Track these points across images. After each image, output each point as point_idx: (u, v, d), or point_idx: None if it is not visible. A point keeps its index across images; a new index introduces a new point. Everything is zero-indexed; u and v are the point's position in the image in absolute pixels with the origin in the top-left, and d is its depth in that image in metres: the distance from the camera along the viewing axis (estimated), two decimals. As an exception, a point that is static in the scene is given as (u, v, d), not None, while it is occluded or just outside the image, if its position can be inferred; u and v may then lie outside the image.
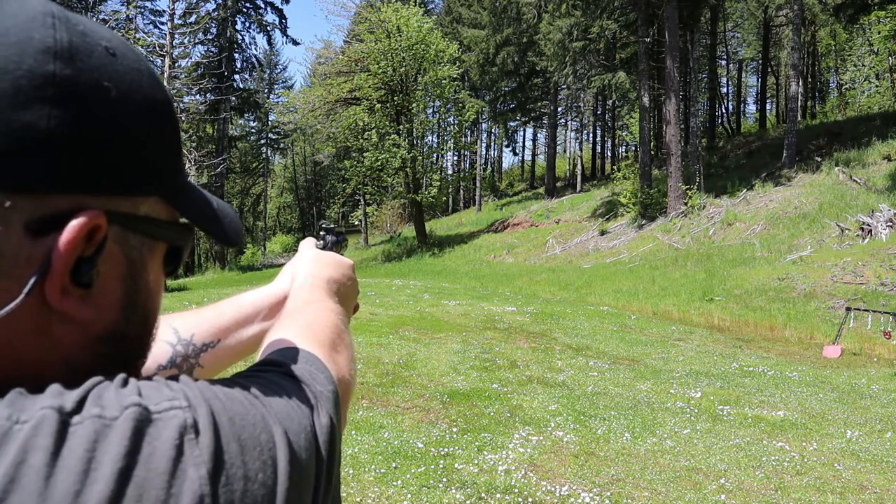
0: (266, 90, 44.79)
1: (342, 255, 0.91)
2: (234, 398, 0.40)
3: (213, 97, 30.71)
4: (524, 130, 52.10)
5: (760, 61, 34.63)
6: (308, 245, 0.84)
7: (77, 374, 0.39)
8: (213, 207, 0.51)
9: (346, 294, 0.77)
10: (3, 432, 0.32)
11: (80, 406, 0.34)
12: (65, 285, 0.39)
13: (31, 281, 0.37)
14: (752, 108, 50.78)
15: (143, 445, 0.34)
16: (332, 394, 0.49)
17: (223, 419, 0.37)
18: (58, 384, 0.36)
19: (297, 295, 0.71)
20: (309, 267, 0.77)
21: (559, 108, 37.06)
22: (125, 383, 0.38)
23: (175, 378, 0.40)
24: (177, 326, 0.73)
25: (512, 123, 41.88)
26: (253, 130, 45.56)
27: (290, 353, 0.52)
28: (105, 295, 0.42)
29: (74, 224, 0.38)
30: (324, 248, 0.88)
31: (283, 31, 38.93)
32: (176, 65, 22.08)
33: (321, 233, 0.93)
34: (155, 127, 0.44)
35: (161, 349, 0.69)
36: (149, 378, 0.40)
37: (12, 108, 0.36)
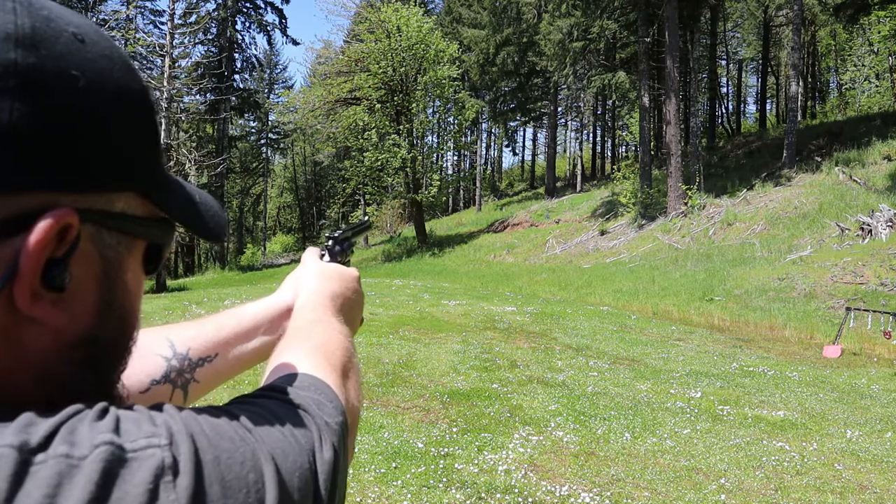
0: (266, 90, 44.75)
1: (348, 263, 0.88)
2: (222, 433, 0.37)
3: (213, 97, 30.72)
4: (524, 130, 52.17)
5: (760, 61, 34.63)
6: (311, 256, 0.82)
7: (49, 383, 0.37)
8: (195, 201, 0.48)
9: (351, 307, 0.75)
10: None
11: (47, 442, 0.31)
12: (35, 289, 0.36)
13: None
14: (752, 108, 50.81)
15: (112, 490, 0.30)
16: (339, 426, 0.46)
17: (207, 457, 0.35)
18: (30, 413, 0.33)
19: (301, 314, 0.69)
20: (313, 283, 0.74)
21: (559, 108, 37.06)
22: (103, 415, 0.34)
23: (159, 407, 0.37)
24: (173, 340, 0.70)
25: (512, 123, 41.85)
26: (253, 130, 45.53)
27: (297, 380, 0.50)
28: (79, 298, 0.39)
29: (43, 224, 0.35)
30: (328, 258, 0.87)
31: (283, 31, 38.96)
32: (176, 65, 22.08)
33: (326, 242, 0.90)
34: (128, 117, 0.41)
35: (155, 363, 0.67)
36: (129, 408, 0.37)
37: None
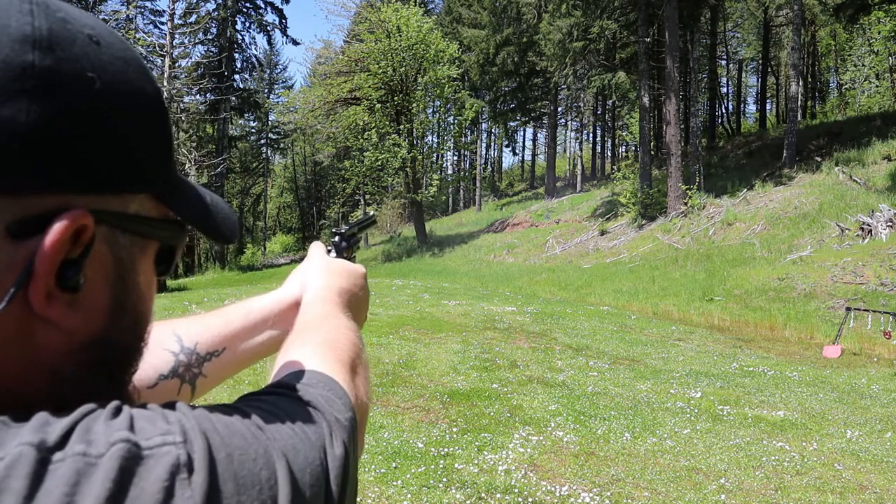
0: (266, 90, 44.74)
1: (354, 259, 0.89)
2: (234, 430, 0.37)
3: (213, 97, 30.70)
4: (524, 130, 52.15)
5: (760, 61, 34.62)
6: (318, 251, 0.81)
7: (61, 384, 0.37)
8: (206, 203, 0.48)
9: (357, 304, 0.75)
10: None
11: (64, 440, 0.31)
12: (50, 290, 0.36)
13: (13, 289, 0.35)
14: (752, 108, 50.77)
15: (130, 487, 0.30)
16: (349, 421, 0.46)
17: (220, 455, 0.35)
18: (45, 413, 0.33)
19: (309, 309, 0.68)
20: (320, 278, 0.74)
21: (559, 108, 37.07)
22: (117, 413, 0.34)
23: (172, 405, 0.37)
24: (180, 334, 0.70)
25: (512, 123, 41.81)
26: (253, 130, 45.52)
27: (306, 376, 0.49)
28: (93, 299, 0.39)
29: (59, 225, 0.35)
30: (335, 254, 0.86)
31: (283, 31, 38.93)
32: (176, 65, 22.08)
33: (333, 238, 0.89)
34: (143, 120, 0.41)
35: (163, 358, 0.67)
36: (142, 406, 0.37)
37: None
